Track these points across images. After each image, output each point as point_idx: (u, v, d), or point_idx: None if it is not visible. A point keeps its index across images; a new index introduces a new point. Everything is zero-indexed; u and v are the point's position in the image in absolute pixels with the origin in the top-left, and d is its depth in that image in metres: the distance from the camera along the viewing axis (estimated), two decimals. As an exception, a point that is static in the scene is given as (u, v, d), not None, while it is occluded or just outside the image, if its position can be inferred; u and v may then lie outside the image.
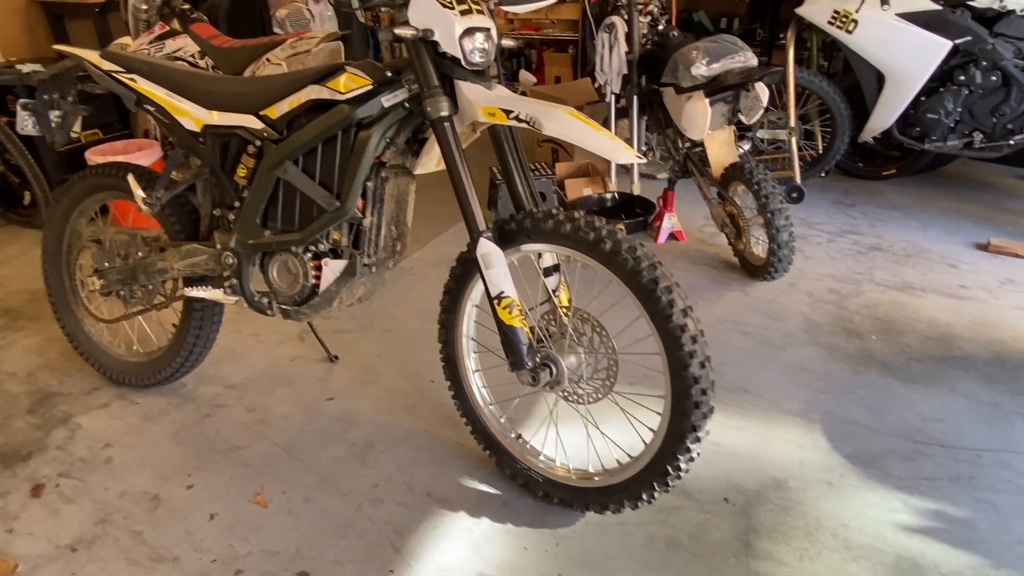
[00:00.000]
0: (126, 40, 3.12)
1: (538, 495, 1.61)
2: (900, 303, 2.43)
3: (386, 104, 1.48)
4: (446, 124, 1.41)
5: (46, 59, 3.43)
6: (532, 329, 1.48)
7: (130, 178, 1.76)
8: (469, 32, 1.38)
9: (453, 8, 1.37)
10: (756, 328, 2.30)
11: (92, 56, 1.83)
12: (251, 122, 1.63)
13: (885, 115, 2.94)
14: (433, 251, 2.93)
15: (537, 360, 1.46)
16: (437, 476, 1.71)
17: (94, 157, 3.07)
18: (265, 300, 1.72)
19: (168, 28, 2.94)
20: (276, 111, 1.59)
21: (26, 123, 2.03)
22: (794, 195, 3.24)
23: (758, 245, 2.57)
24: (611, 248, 1.32)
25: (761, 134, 3.33)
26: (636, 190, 3.01)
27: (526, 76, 5.08)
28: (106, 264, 1.94)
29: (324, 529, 1.57)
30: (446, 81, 1.42)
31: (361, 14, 4.49)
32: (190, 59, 2.96)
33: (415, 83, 1.44)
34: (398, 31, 1.36)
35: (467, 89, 1.41)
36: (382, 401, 2.00)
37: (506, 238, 1.46)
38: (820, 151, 3.43)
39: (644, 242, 2.84)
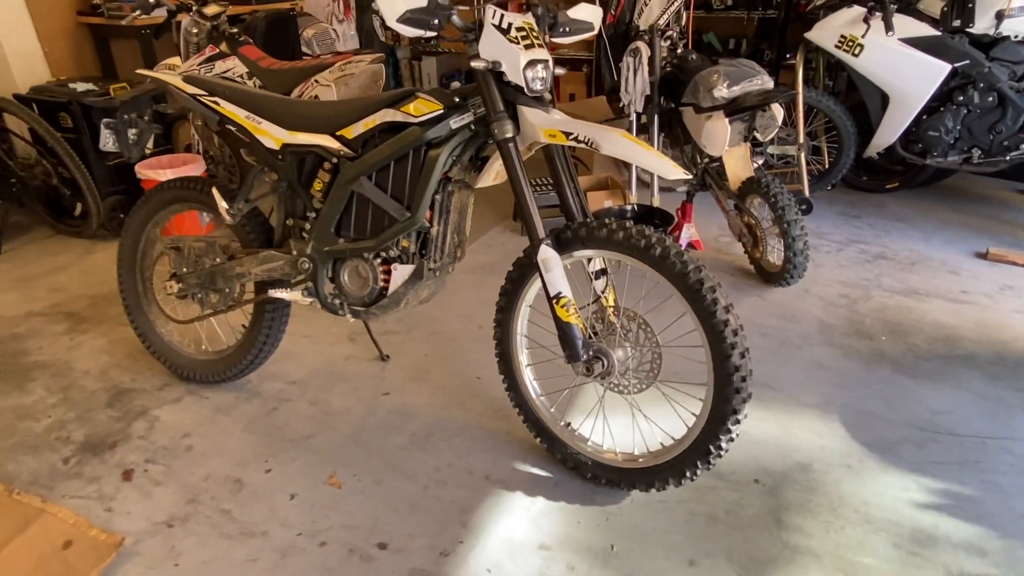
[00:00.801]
0: (175, 61, 3.32)
1: (587, 476, 1.78)
2: (907, 307, 2.61)
3: (454, 126, 1.66)
4: (510, 145, 1.60)
5: (93, 78, 3.62)
6: (584, 327, 1.66)
7: (215, 191, 1.94)
8: (531, 64, 1.57)
9: (518, 43, 1.55)
10: (774, 330, 2.48)
11: (176, 80, 2.01)
12: (328, 141, 1.81)
13: (889, 132, 3.14)
14: (468, 258, 3.11)
15: (591, 353, 1.64)
16: (493, 461, 1.89)
17: (144, 171, 3.25)
18: (337, 301, 1.90)
19: (218, 50, 3.13)
20: (352, 132, 1.78)
21: (108, 140, 2.22)
22: (803, 207, 3.43)
23: (773, 253, 2.76)
24: (661, 253, 1.51)
25: (771, 150, 3.53)
26: (656, 202, 3.20)
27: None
28: (184, 269, 2.12)
29: (396, 507, 1.74)
30: (509, 106, 1.61)
31: (383, 34, 4.82)
32: (238, 79, 3.16)
33: (480, 107, 1.63)
34: (472, 64, 1.55)
35: (529, 114, 1.60)
36: (434, 396, 2.17)
37: (562, 245, 1.65)
38: (827, 166, 3.63)
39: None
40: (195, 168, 3.31)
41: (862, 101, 3.25)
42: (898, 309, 2.60)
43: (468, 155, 1.74)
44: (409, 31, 1.48)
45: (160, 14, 3.02)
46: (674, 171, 1.47)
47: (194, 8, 3.13)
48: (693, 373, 1.71)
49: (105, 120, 2.19)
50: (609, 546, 1.61)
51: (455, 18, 1.56)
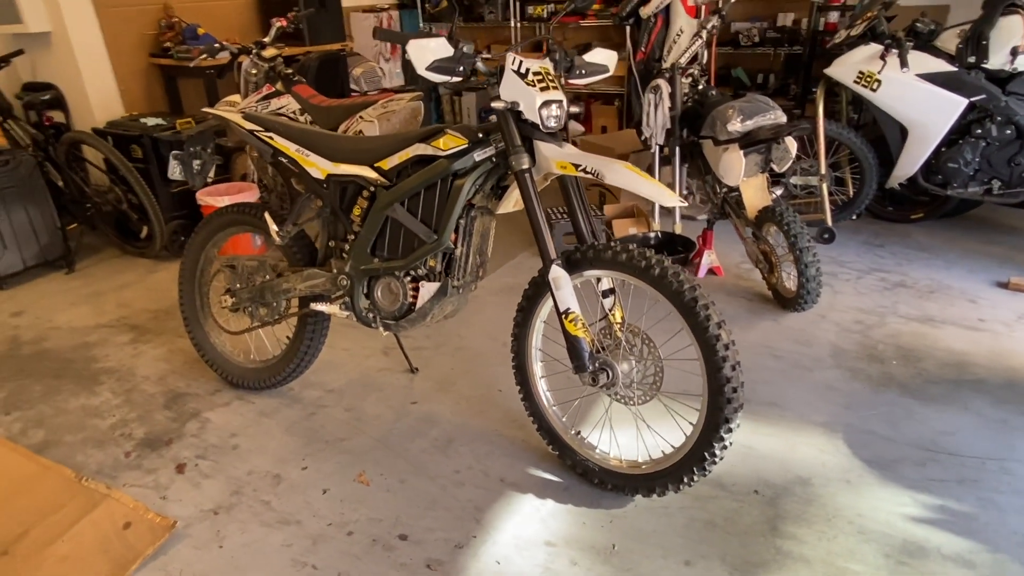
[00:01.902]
0: (235, 98, 3.64)
1: (594, 482, 1.91)
2: (921, 333, 2.67)
3: (477, 159, 1.86)
4: (526, 175, 1.78)
5: (162, 113, 3.99)
6: (592, 340, 1.81)
7: (267, 216, 2.18)
8: (546, 104, 1.75)
9: (534, 86, 1.74)
10: (787, 352, 2.58)
11: (236, 118, 2.27)
12: (367, 172, 2.02)
13: (908, 164, 3.21)
14: (495, 280, 3.29)
15: (596, 365, 1.78)
16: (508, 466, 2.03)
17: (204, 198, 3.56)
18: (370, 315, 2.10)
19: (274, 89, 3.43)
20: (388, 163, 1.99)
21: (175, 170, 2.50)
22: (826, 236, 3.52)
23: (789, 279, 2.85)
24: (659, 273, 1.66)
25: (795, 180, 3.63)
26: (678, 229, 3.33)
27: (575, 126, 5.50)
28: (238, 285, 2.35)
29: (417, 503, 1.90)
30: (526, 141, 1.80)
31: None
32: (291, 115, 3.45)
33: (501, 142, 1.82)
34: (493, 104, 1.75)
35: (544, 148, 1.78)
36: (458, 406, 2.34)
37: (572, 265, 1.81)
38: (850, 196, 3.70)
39: (685, 276, 3.15)
40: (250, 196, 3.60)
41: (884, 134, 3.33)
42: (912, 335, 2.66)
43: (490, 184, 1.92)
44: (437, 77, 1.69)
45: (224, 56, 3.33)
46: (670, 199, 1.63)
47: (254, 51, 3.44)
48: (694, 386, 1.83)
49: (173, 152, 2.46)
50: (611, 545, 1.73)
51: (479, 64, 1.77)
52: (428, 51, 1.64)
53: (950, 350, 2.55)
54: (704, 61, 3.33)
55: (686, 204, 1.66)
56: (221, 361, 2.50)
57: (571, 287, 1.77)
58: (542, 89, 1.74)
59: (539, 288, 1.92)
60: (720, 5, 3.29)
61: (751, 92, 4.59)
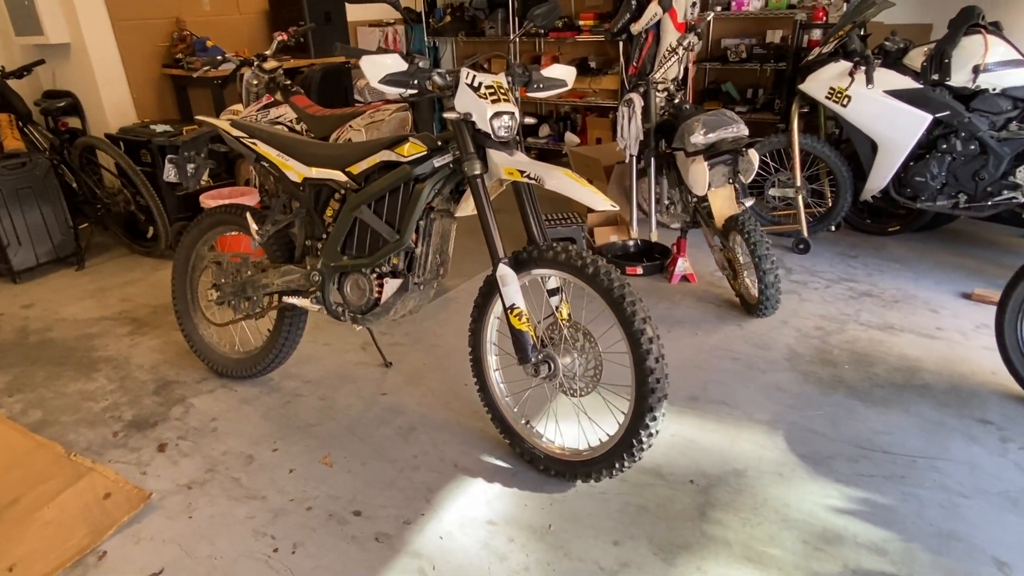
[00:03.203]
0: (238, 107, 3.85)
1: (540, 468, 2.04)
2: (878, 340, 2.76)
3: (436, 165, 2.01)
4: (478, 180, 1.92)
5: (171, 121, 4.21)
6: (536, 335, 1.94)
7: (248, 216, 2.35)
8: (497, 115, 1.90)
9: (486, 98, 1.89)
10: (744, 355, 2.68)
11: (224, 124, 2.45)
12: (339, 176, 2.19)
13: (879, 178, 3.30)
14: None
15: (539, 357, 1.92)
16: (463, 453, 2.17)
17: (208, 200, 3.76)
18: (340, 309, 2.25)
19: (273, 99, 3.63)
20: (357, 168, 2.15)
21: (170, 173, 2.68)
22: (801, 246, 3.62)
23: (753, 286, 2.96)
24: (592, 272, 1.79)
25: (773, 192, 3.73)
26: (654, 237, 3.45)
27: (571, 137, 5.65)
28: (223, 280, 2.53)
29: (374, 484, 2.04)
30: (480, 149, 1.94)
31: (428, 83, 5.11)
32: (288, 124, 3.64)
33: (458, 150, 1.97)
34: (446, 114, 1.90)
35: (495, 155, 1.92)
36: (425, 398, 2.48)
37: (520, 264, 1.95)
38: (828, 207, 3.80)
39: (660, 282, 3.27)
40: (250, 199, 3.80)
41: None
42: (869, 342, 2.75)
43: (448, 189, 2.07)
44: (390, 90, 1.85)
45: (227, 67, 3.54)
46: (602, 203, 1.76)
47: (255, 63, 3.65)
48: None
49: (169, 156, 2.64)
50: (547, 525, 1.86)
51: (436, 78, 1.92)
52: (381, 66, 1.80)
53: (903, 356, 2.64)
54: (680, 76, 3.46)
55: (616, 208, 1.79)
56: (208, 352, 2.67)
57: (517, 285, 1.91)
58: (493, 101, 1.89)
59: (492, 287, 2.06)
60: (695, 22, 3.43)
61: (736, 107, 4.71)
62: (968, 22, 2.97)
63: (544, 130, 5.71)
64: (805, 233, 3.59)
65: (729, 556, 1.74)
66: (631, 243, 3.64)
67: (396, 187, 2.07)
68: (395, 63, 1.82)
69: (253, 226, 2.34)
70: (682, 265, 3.37)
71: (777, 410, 2.33)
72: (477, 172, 1.91)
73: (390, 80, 1.82)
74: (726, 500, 1.93)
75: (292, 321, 2.46)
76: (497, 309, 2.10)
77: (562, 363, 1.92)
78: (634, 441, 1.79)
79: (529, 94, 2.15)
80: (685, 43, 3.37)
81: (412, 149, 2.02)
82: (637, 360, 1.74)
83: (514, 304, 1.90)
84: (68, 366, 2.80)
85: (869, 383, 2.47)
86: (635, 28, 4.67)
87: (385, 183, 2.07)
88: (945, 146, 3.09)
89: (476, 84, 1.89)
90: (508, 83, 1.97)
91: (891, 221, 3.80)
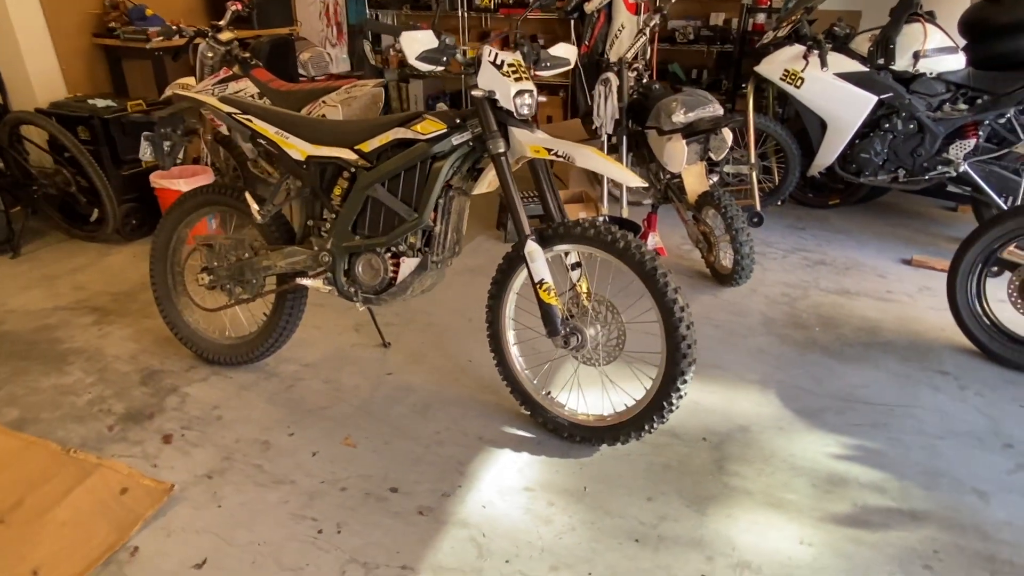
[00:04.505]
0: (189, 80, 3.64)
1: (564, 436, 2.13)
2: (839, 304, 3.02)
3: (455, 143, 2.02)
4: (502, 158, 1.96)
5: (107, 94, 3.92)
6: (563, 308, 2.01)
7: (247, 196, 2.27)
8: (520, 93, 1.93)
9: (509, 76, 1.92)
10: (724, 322, 2.87)
11: (214, 100, 2.33)
12: (347, 154, 2.15)
13: (827, 154, 3.57)
14: (457, 262, 3.43)
15: (568, 330, 1.99)
16: (484, 426, 2.22)
17: (158, 180, 3.55)
18: (352, 289, 2.23)
19: (231, 72, 3.46)
20: (369, 146, 2.12)
21: (145, 151, 2.53)
22: (755, 220, 3.85)
23: (725, 258, 3.15)
24: (623, 246, 1.87)
25: (727, 168, 3.95)
26: (625, 213, 3.58)
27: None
28: (215, 263, 2.43)
29: (403, 461, 2.06)
30: (501, 127, 1.97)
31: (372, 57, 5.26)
32: (249, 99, 3.48)
33: (477, 127, 1.99)
34: (473, 92, 1.91)
35: (518, 133, 1.96)
36: (431, 375, 2.50)
37: (544, 240, 2.00)
38: (776, 183, 4.06)
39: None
40: (206, 179, 3.62)
41: (805, 126, 3.68)
42: (832, 306, 3.01)
43: (466, 167, 2.09)
44: (425, 67, 1.84)
45: (180, 39, 3.33)
46: (635, 180, 1.85)
47: (209, 34, 3.45)
48: (649, 346, 2.06)
49: (145, 133, 2.50)
50: (582, 487, 1.95)
51: (458, 55, 1.93)
52: (417, 42, 1.79)
53: (864, 318, 2.90)
54: (648, 56, 3.58)
55: (649, 187, 1.88)
56: (196, 339, 2.57)
57: (544, 260, 1.97)
58: (516, 80, 1.92)
59: (513, 262, 2.11)
60: (660, 3, 3.55)
61: (686, 87, 4.91)
62: (908, 10, 3.25)
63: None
64: (758, 207, 3.83)
65: (752, 503, 1.89)
66: (600, 220, 3.75)
67: (412, 165, 2.06)
68: (428, 39, 1.81)
69: (254, 206, 2.26)
70: (653, 240, 3.52)
71: (764, 370, 2.52)
72: (502, 150, 1.94)
73: (425, 57, 1.81)
74: (738, 454, 2.09)
75: (294, 303, 2.40)
76: (516, 285, 2.15)
77: (588, 334, 2.00)
78: (664, 403, 1.90)
79: (537, 72, 2.19)
80: (652, 24, 3.48)
81: (431, 127, 2.01)
82: (670, 328, 1.85)
83: (543, 279, 1.96)
84: (34, 360, 2.61)
85: (839, 343, 2.71)
86: (588, 7, 4.75)
87: (401, 161, 2.06)
88: (887, 125, 3.38)
89: (499, 62, 1.91)
90: (524, 61, 2.00)
91: (831, 195, 4.11)
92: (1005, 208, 3.24)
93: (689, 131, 2.97)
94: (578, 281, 2.09)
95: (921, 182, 3.45)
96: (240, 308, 2.68)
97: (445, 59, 1.87)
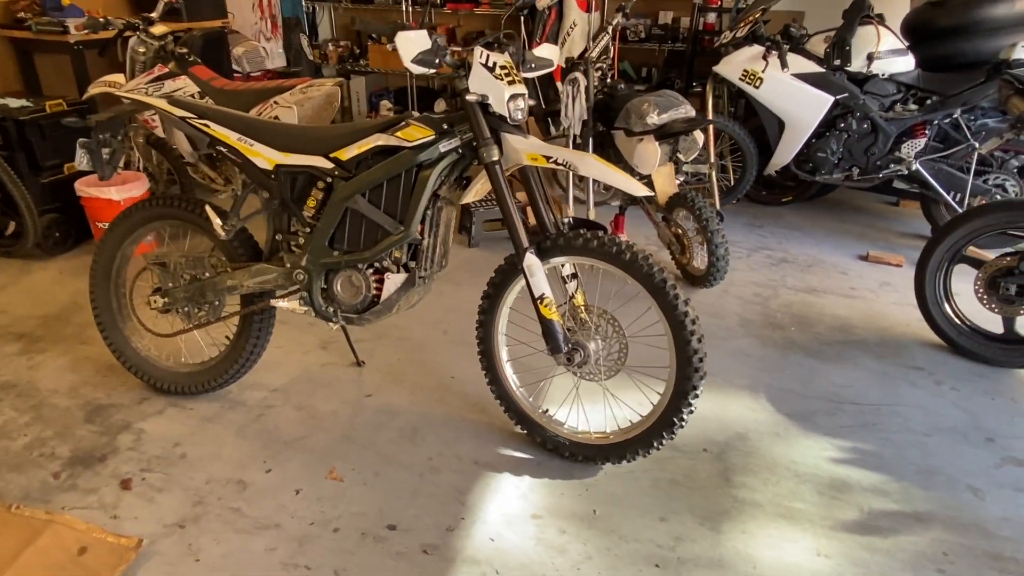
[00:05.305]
0: (117, 78, 3.32)
1: (565, 455, 2.03)
2: (808, 302, 3.06)
3: (443, 150, 1.88)
4: (496, 166, 1.84)
5: (16, 93, 3.53)
6: (563, 323, 1.92)
7: (208, 209, 2.05)
8: (513, 97, 1.82)
9: (502, 80, 1.80)
10: (703, 325, 2.85)
11: (162, 103, 2.10)
12: (322, 162, 1.97)
13: (785, 153, 3.63)
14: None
15: (571, 346, 1.89)
16: (479, 448, 2.10)
17: (85, 188, 3.23)
18: (331, 309, 2.05)
19: (167, 70, 3.17)
20: (346, 154, 1.95)
21: (82, 160, 2.26)
22: (717, 219, 3.88)
23: (697, 259, 3.14)
24: (630, 258, 1.79)
25: (686, 168, 3.95)
26: (592, 215, 3.52)
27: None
28: (170, 284, 2.19)
29: (398, 493, 1.91)
30: (493, 133, 1.85)
31: (310, 52, 4.98)
32: (177, 97, 3.20)
33: (467, 134, 1.86)
34: (467, 97, 1.78)
35: (512, 140, 1.84)
36: (414, 395, 2.35)
37: (543, 252, 1.90)
38: (732, 182, 4.10)
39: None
40: (138, 186, 3.31)
41: (761, 125, 3.73)
42: (802, 304, 3.04)
43: (454, 175, 1.96)
44: (419, 70, 1.69)
45: (109, 31, 3.02)
46: (642, 190, 1.77)
47: (141, 27, 3.15)
48: (651, 359, 2.00)
49: (80, 140, 2.22)
50: (592, 511, 1.87)
51: (448, 57, 1.79)
52: (413, 44, 1.65)
53: (835, 316, 2.95)
54: (611, 56, 3.53)
55: (653, 195, 1.81)
56: (147, 367, 2.32)
57: (543, 273, 1.87)
58: (509, 83, 1.81)
59: (507, 275, 1.99)
60: (623, 2, 3.50)
61: (638, 85, 4.90)
62: (861, 12, 3.33)
63: (440, 105, 5.54)
64: (719, 206, 3.85)
65: (764, 516, 1.86)
66: (566, 221, 3.68)
67: (397, 175, 1.91)
68: (422, 40, 1.67)
69: (216, 221, 2.04)
70: (621, 241, 3.47)
71: (751, 374, 2.51)
72: (496, 158, 1.82)
73: (421, 60, 1.67)
74: (741, 464, 2.06)
75: (261, 325, 2.20)
76: (510, 299, 2.04)
77: (591, 349, 1.91)
78: (674, 419, 1.84)
79: (523, 74, 2.08)
80: (614, 22, 3.43)
81: (418, 133, 1.87)
82: (681, 342, 1.78)
83: (544, 294, 1.86)
84: (-48, 399, 2.29)
85: (817, 342, 2.74)
86: (540, 4, 4.66)
87: (385, 170, 1.90)
88: (843, 125, 3.46)
89: (491, 64, 1.79)
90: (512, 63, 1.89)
91: (784, 192, 4.19)
92: (954, 204, 3.38)
93: (662, 132, 2.93)
94: (574, 293, 2.00)
95: (874, 180, 3.56)
96: (197, 331, 2.45)
97: (437, 61, 1.73)
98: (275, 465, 2.02)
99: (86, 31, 2.87)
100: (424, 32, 1.68)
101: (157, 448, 2.08)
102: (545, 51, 2.12)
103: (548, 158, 1.80)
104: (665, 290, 1.77)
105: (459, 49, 1.83)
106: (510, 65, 1.84)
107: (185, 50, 3.17)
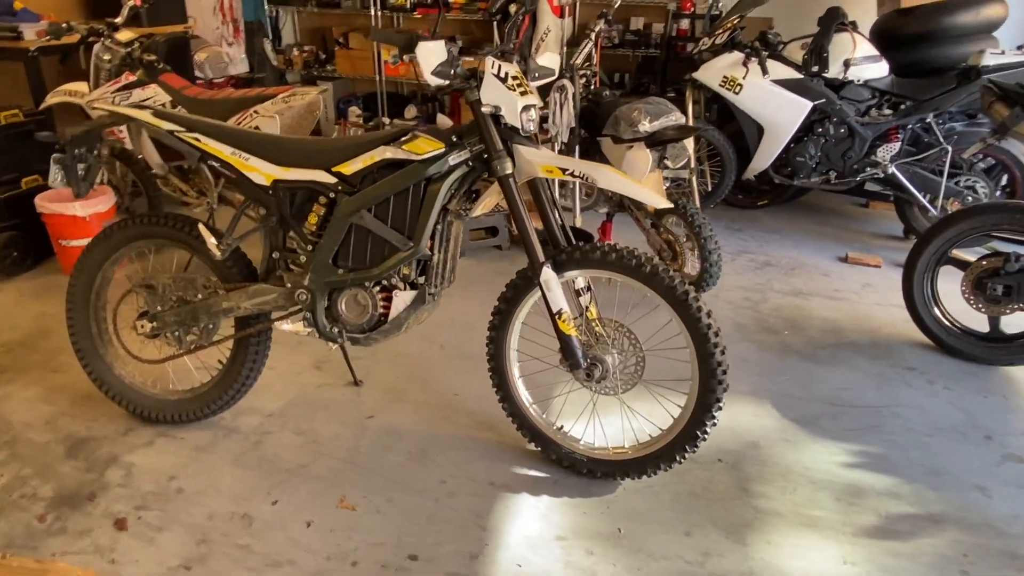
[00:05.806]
0: (79, 87, 3.14)
1: (583, 472, 1.99)
2: (797, 306, 3.11)
3: (452, 163, 1.82)
4: (510, 179, 1.79)
5: (-35, 103, 3.29)
6: (582, 338, 1.88)
7: (201, 228, 1.93)
8: (526, 108, 1.77)
9: (515, 90, 1.75)
10: (700, 332, 2.85)
11: (146, 116, 1.98)
12: (324, 177, 1.89)
13: (764, 158, 3.68)
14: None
15: (590, 361, 1.86)
16: (492, 468, 2.04)
17: (46, 204, 3.03)
18: (335, 330, 1.96)
19: (135, 78, 3.02)
20: (350, 167, 1.87)
21: (56, 177, 2.11)
22: (698, 223, 3.90)
23: (689, 265, 3.15)
24: (650, 271, 1.77)
25: (666, 173, 3.97)
26: (578, 223, 3.50)
27: (443, 119, 5.46)
28: (159, 308, 2.06)
29: (414, 520, 1.84)
30: (504, 145, 1.80)
31: (274, 57, 4.84)
32: (160, 108, 3.04)
33: (476, 145, 1.81)
34: (483, 109, 1.73)
35: (526, 152, 1.80)
36: (418, 415, 2.28)
37: (559, 266, 1.86)
38: (710, 187, 4.14)
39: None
40: (106, 200, 3.13)
41: (738, 130, 3.77)
42: (791, 308, 3.08)
43: (464, 188, 1.90)
44: (437, 81, 1.63)
45: (71, 37, 2.85)
46: (663, 202, 1.74)
47: (106, 33, 2.98)
48: (667, 371, 1.98)
49: (54, 156, 2.07)
50: (616, 529, 1.83)
51: (459, 68, 1.74)
52: (433, 55, 1.59)
53: (824, 318, 3.00)
54: (594, 63, 3.51)
55: (672, 206, 1.79)
56: (132, 395, 2.18)
57: (561, 287, 1.82)
58: (522, 94, 1.76)
59: (520, 290, 1.94)
60: (605, 8, 3.49)
61: (608, 91, 4.91)
62: (836, 20, 3.40)
63: (411, 111, 5.45)
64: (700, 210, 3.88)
65: (787, 525, 1.86)
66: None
67: (405, 188, 1.84)
68: (440, 51, 1.61)
69: (211, 240, 1.93)
70: (608, 248, 3.45)
71: (752, 380, 2.52)
72: (509, 171, 1.78)
73: (439, 71, 1.61)
74: (757, 473, 2.05)
75: (258, 347, 2.09)
76: (522, 314, 1.99)
77: (609, 362, 1.88)
78: (697, 432, 1.82)
79: (530, 83, 2.03)
80: (597, 29, 3.41)
81: (427, 146, 1.81)
82: (704, 355, 1.76)
83: (561, 309, 1.82)
84: (-86, 438, 2.11)
85: (811, 346, 2.77)
86: (513, 9, 4.62)
87: (392, 184, 1.83)
88: (820, 130, 3.53)
89: (503, 75, 1.75)
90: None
91: (760, 196, 4.26)
92: (928, 205, 3.48)
93: (653, 140, 2.93)
94: (587, 307, 1.96)
95: (851, 183, 3.64)
96: (188, 356, 2.32)
97: (452, 72, 1.67)
98: (280, 496, 1.91)
99: (47, 37, 2.69)
100: (441, 43, 1.63)
101: (150, 483, 1.95)
102: (547, 60, 2.09)
103: (564, 170, 1.76)
104: (688, 302, 1.75)
105: (469, 59, 1.77)
106: (521, 76, 1.80)
107: (154, 57, 3.02)
